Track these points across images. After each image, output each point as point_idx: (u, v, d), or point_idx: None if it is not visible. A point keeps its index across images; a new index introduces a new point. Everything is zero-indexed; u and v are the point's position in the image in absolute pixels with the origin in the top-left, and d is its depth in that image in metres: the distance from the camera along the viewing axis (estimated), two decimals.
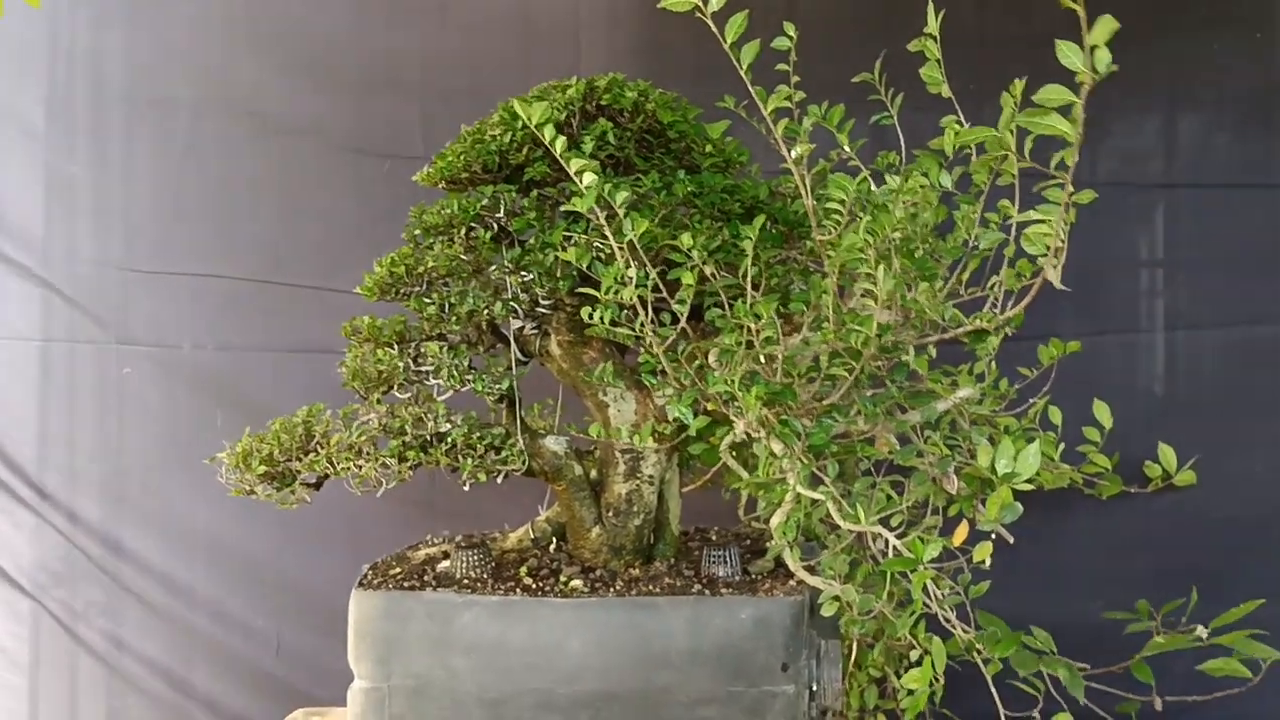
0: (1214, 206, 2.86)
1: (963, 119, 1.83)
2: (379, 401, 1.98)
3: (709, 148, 1.95)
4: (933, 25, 1.80)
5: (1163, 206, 2.92)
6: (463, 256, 1.86)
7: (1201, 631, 1.97)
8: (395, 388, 1.87)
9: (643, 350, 1.71)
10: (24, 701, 3.37)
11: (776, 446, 1.67)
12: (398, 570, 2.08)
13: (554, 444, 2.07)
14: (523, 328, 2.01)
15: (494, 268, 1.87)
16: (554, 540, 2.22)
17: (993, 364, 2.37)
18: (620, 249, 1.60)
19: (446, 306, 1.86)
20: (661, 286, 1.71)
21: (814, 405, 1.73)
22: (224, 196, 3.27)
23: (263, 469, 1.90)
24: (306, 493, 1.92)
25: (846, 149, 1.89)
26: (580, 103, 1.91)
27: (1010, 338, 2.38)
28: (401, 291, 1.96)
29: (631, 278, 1.59)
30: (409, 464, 1.79)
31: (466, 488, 1.83)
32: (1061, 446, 2.43)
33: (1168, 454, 2.70)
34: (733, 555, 2.08)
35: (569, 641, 1.92)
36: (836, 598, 1.83)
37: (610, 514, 2.10)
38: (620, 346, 2.06)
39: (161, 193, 3.29)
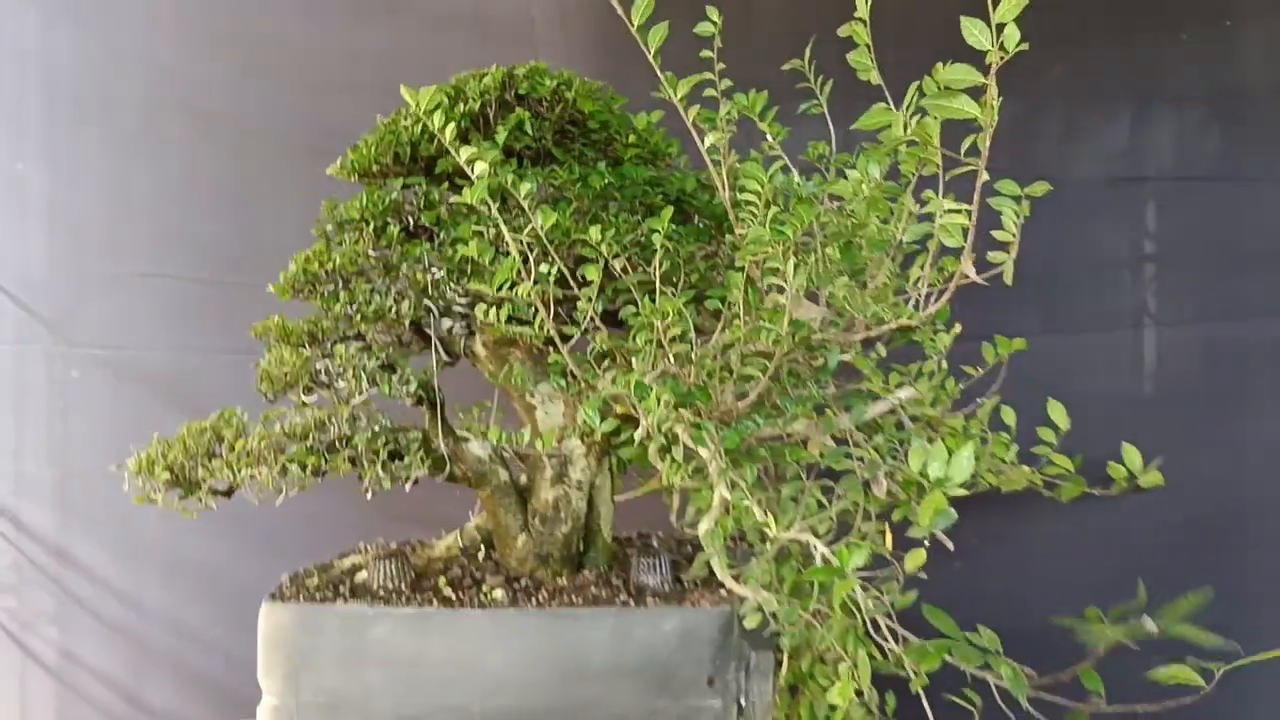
0: (1180, 202, 2.78)
1: (892, 106, 1.73)
2: (305, 405, 1.90)
3: (632, 138, 1.86)
4: (863, 10, 1.71)
5: (1130, 202, 2.83)
6: (371, 253, 1.77)
7: (1150, 625, 1.88)
8: (303, 391, 1.79)
9: (552, 351, 1.63)
10: None
11: (685, 451, 1.58)
12: (315, 581, 2.00)
13: (478, 448, 1.99)
14: (452, 327, 1.93)
15: (405, 265, 1.79)
16: (483, 548, 2.14)
17: (943, 363, 2.29)
18: (516, 243, 1.52)
19: (354, 306, 1.78)
20: (574, 283, 1.63)
21: (734, 407, 1.64)
22: (175, 196, 3.20)
23: (166, 475, 1.82)
24: (213, 500, 1.83)
25: (769, 137, 1.80)
26: (498, 91, 1.83)
27: (968, 338, 2.32)
28: (315, 290, 1.88)
29: (530, 273, 1.50)
30: (310, 471, 1.70)
31: (368, 495, 1.75)
32: (1015, 449, 2.35)
33: (1132, 454, 2.60)
34: (663, 563, 1.99)
35: (487, 655, 1.83)
36: (760, 608, 1.74)
37: (537, 521, 2.02)
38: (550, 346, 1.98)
39: (111, 193, 3.22)
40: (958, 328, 2.24)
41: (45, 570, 3.24)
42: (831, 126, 1.83)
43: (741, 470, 1.66)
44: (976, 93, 1.36)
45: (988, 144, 1.37)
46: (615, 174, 1.80)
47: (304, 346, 1.86)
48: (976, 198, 1.43)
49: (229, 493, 1.89)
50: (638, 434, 1.53)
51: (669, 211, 1.57)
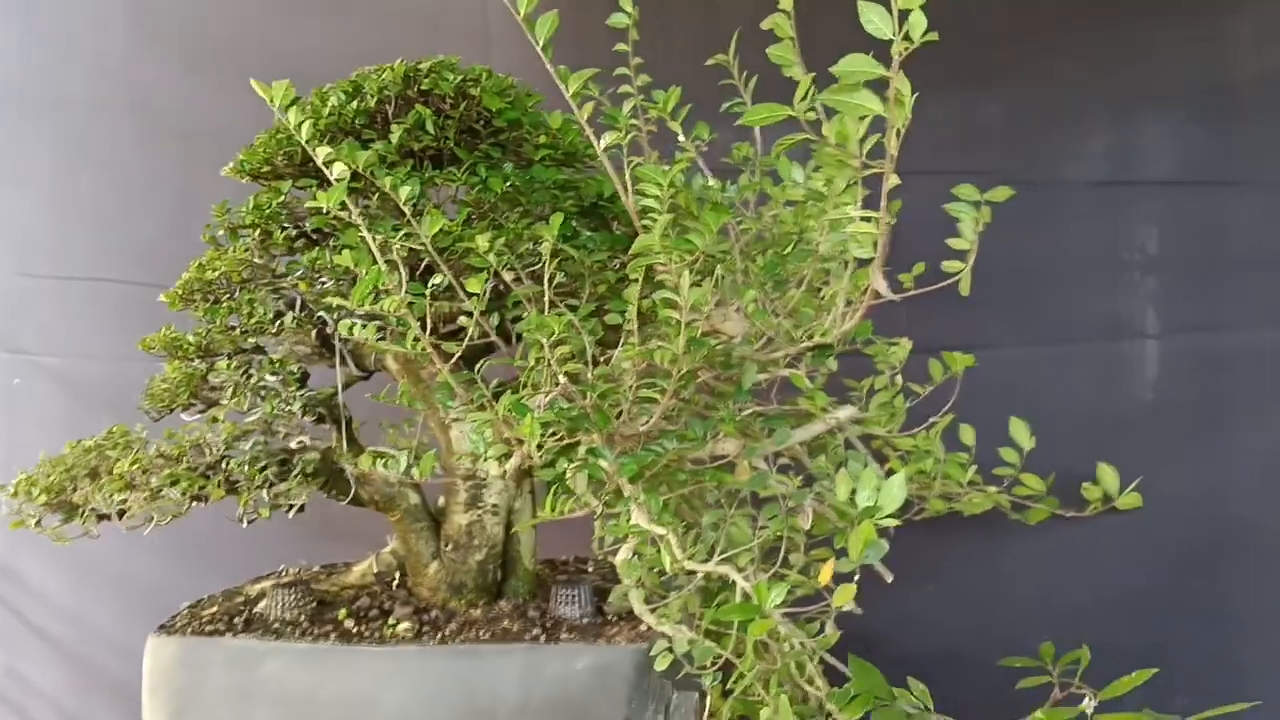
0: (1164, 206, 2.61)
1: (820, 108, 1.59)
2: (218, 420, 1.78)
3: (544, 138, 1.73)
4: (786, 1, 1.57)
5: (1111, 206, 2.67)
6: (256, 260, 1.64)
7: (1089, 704, 1.72)
8: (182, 409, 1.66)
9: (440, 370, 1.49)
10: None
11: (580, 483, 1.44)
12: (213, 610, 1.87)
13: (385, 470, 1.85)
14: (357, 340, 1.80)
15: (294, 274, 1.66)
16: (398, 575, 2.00)
17: (897, 379, 2.15)
18: (384, 252, 1.39)
19: (237, 317, 1.65)
20: (464, 295, 1.50)
21: (638, 431, 1.50)
22: (120, 199, 3.08)
23: (44, 498, 1.69)
24: (95, 526, 1.71)
25: (681, 138, 1.66)
26: (399, 87, 1.70)
27: (940, 349, 2.17)
28: (206, 299, 1.75)
29: (397, 285, 1.36)
30: (182, 496, 1.57)
31: (244, 525, 1.62)
32: (973, 469, 2.21)
33: (1107, 474, 2.45)
34: (584, 594, 1.86)
35: (384, 695, 1.70)
36: (669, 648, 1.61)
37: (449, 548, 1.89)
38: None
39: (55, 195, 3.10)
40: (905, 342, 2.11)
41: None
42: (758, 127, 1.69)
43: (650, 497, 1.52)
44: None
45: (895, 143, 1.22)
46: (522, 177, 1.67)
47: (193, 360, 1.73)
48: (884, 204, 1.28)
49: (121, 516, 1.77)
50: (511, 464, 1.40)
51: (559, 218, 1.43)
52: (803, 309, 1.65)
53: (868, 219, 1.29)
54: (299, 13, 2.99)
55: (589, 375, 1.45)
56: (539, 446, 1.39)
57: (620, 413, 1.45)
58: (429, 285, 1.40)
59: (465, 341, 1.45)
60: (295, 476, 1.63)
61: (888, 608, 2.63)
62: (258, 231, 1.67)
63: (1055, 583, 2.65)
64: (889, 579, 1.66)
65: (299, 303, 1.76)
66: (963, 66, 2.60)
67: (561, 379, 1.41)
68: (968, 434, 2.21)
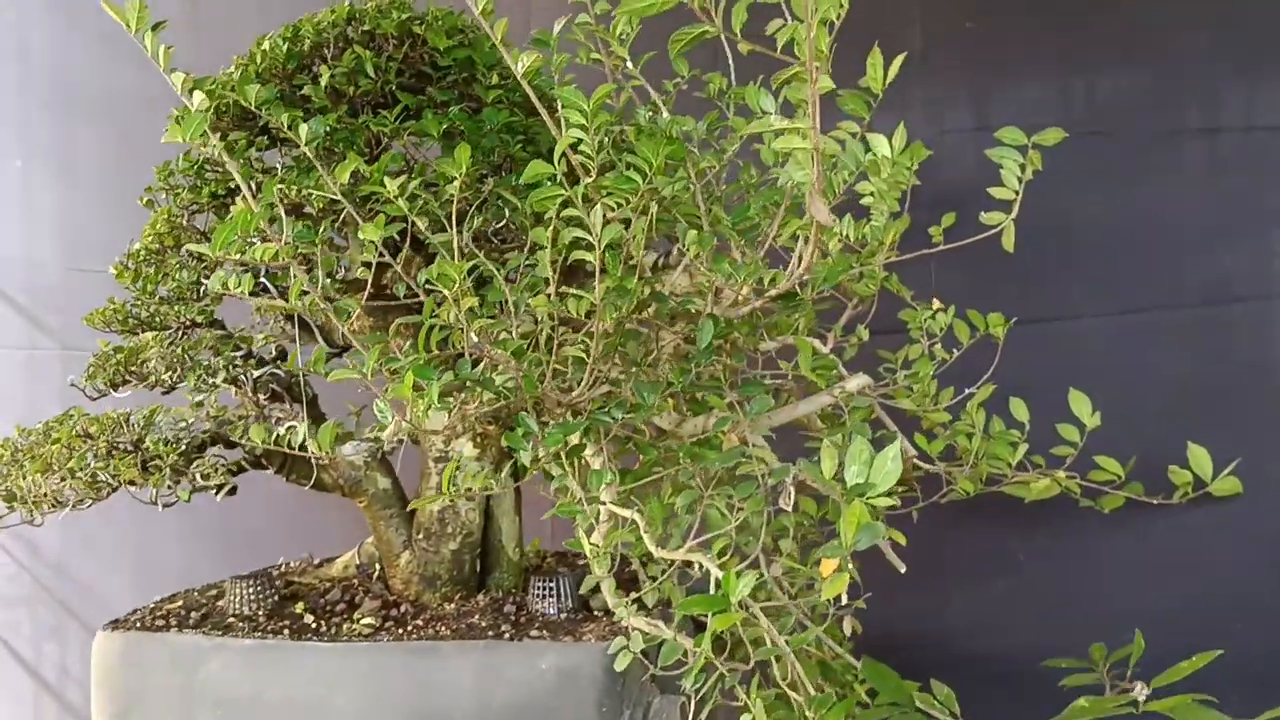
0: (1260, 157, 2.29)
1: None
2: (204, 405, 1.65)
3: (495, 79, 1.55)
4: None
5: (1201, 158, 2.37)
6: (182, 223, 1.51)
7: (1140, 691, 1.46)
8: (114, 386, 1.54)
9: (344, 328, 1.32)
10: None
11: (524, 455, 1.26)
12: (177, 604, 1.75)
13: (351, 451, 1.70)
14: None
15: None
16: (379, 566, 1.85)
17: (935, 347, 1.91)
18: (263, 197, 1.23)
19: (165, 285, 1.52)
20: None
21: (575, 398, 1.31)
22: None
23: None
24: (42, 515, 1.60)
25: (629, 64, 1.46)
26: (337, 29, 1.55)
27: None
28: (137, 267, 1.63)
29: (280, 232, 1.20)
30: (90, 479, 1.44)
31: (159, 508, 1.48)
32: (1025, 448, 1.94)
33: (1199, 456, 2.15)
34: (564, 587, 1.67)
35: (334, 696, 1.54)
36: (627, 646, 1.41)
37: (421, 536, 1.72)
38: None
39: (106, 191, 3.07)
40: (937, 303, 1.87)
41: (46, 586, 3.11)
42: (730, 55, 1.48)
43: (592, 475, 1.33)
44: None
45: (811, 36, 1.00)
46: (470, 121, 1.49)
47: (135, 334, 1.61)
48: (813, 110, 1.06)
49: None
50: (388, 431, 1.23)
51: (466, 150, 1.25)
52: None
53: (796, 131, 1.07)
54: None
55: (513, 333, 1.27)
56: (448, 412, 1.21)
57: (549, 377, 1.26)
58: (317, 234, 1.23)
59: (363, 297, 1.27)
60: (211, 457, 1.48)
61: (961, 606, 2.41)
62: (186, 191, 1.53)
63: (1139, 579, 2.35)
64: (901, 569, 1.43)
65: (262, 271, 1.62)
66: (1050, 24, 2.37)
67: (473, 336, 1.23)
68: (1020, 409, 1.94)
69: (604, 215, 1.14)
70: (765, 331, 1.69)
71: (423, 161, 1.44)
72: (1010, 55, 2.43)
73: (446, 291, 1.20)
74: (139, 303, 1.59)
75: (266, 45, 1.53)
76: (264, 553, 2.74)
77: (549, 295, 1.21)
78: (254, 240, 1.21)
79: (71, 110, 3.09)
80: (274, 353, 1.76)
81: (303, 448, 1.40)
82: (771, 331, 1.72)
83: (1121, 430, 2.10)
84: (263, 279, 1.33)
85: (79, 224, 3.09)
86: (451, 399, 1.32)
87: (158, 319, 1.60)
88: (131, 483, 1.50)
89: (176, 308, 1.53)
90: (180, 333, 1.63)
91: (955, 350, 1.82)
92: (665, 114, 1.38)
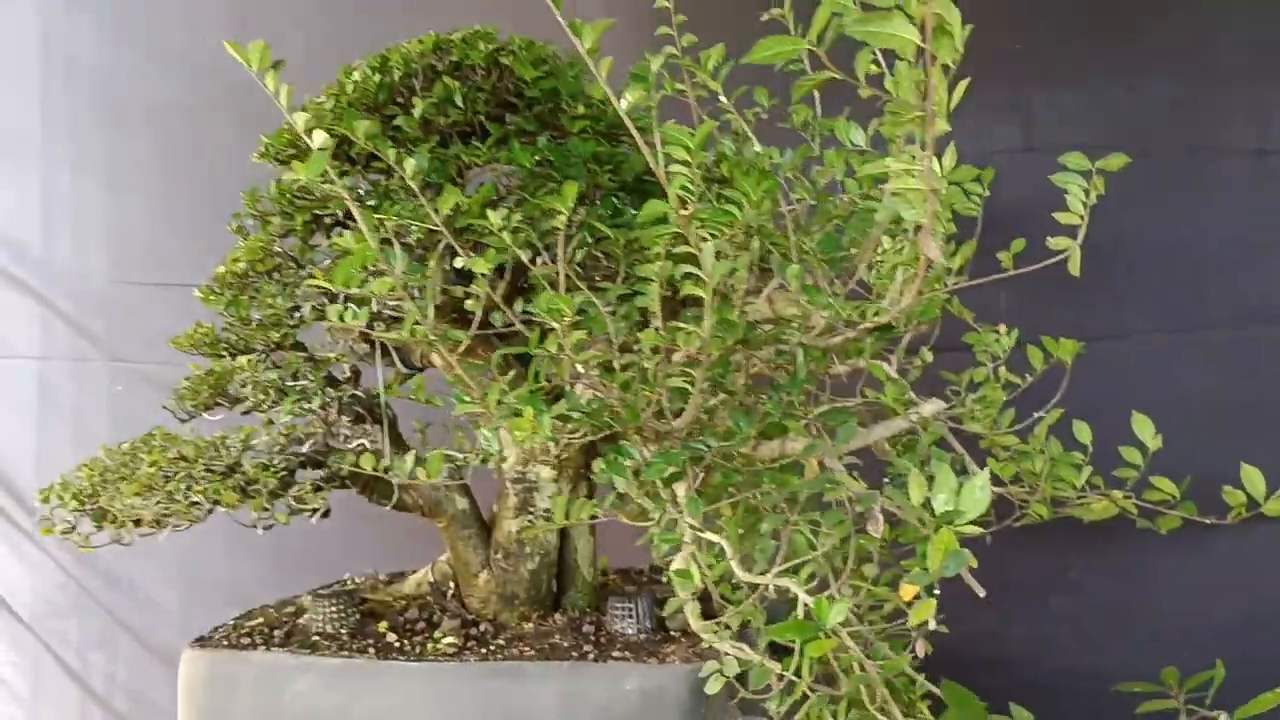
0: None
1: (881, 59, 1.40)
2: (272, 421, 1.68)
3: (581, 109, 1.58)
4: None
5: (1258, 177, 2.39)
6: (275, 249, 1.54)
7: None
8: (204, 409, 1.57)
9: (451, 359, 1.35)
10: None
11: (620, 483, 1.29)
12: (258, 622, 1.77)
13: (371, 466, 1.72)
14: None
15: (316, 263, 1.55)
16: (453, 585, 1.88)
17: (1001, 370, 1.93)
18: (379, 230, 1.26)
19: (258, 310, 1.54)
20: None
21: (674, 429, 1.34)
22: (218, 205, 3.03)
23: (74, 504, 1.62)
24: (129, 534, 1.62)
25: (722, 98, 1.49)
26: (425, 60, 1.58)
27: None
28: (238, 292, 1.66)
29: (394, 266, 1.23)
30: (189, 503, 1.47)
31: (259, 532, 1.51)
32: (1088, 470, 1.97)
33: (1252, 476, 2.17)
34: (641, 607, 1.70)
35: (419, 716, 1.57)
36: (720, 670, 1.43)
37: (500, 556, 1.75)
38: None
39: (154, 202, 3.10)
40: (1003, 328, 1.90)
41: (95, 594, 3.14)
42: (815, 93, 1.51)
43: (690, 503, 1.36)
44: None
45: (937, 81, 1.03)
46: (557, 151, 1.52)
47: (223, 357, 1.63)
48: (929, 154, 1.09)
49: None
50: (508, 462, 1.25)
51: (573, 187, 1.27)
52: (876, 287, 1.46)
53: (912, 173, 1.10)
54: (394, 11, 2.92)
55: (616, 364, 1.30)
56: (555, 443, 1.24)
57: (650, 406, 1.29)
58: (431, 267, 1.26)
59: (473, 328, 1.30)
60: (309, 481, 1.51)
61: (1021, 627, 2.44)
62: (279, 218, 1.56)
63: (1198, 599, 2.38)
64: (981, 594, 1.45)
65: (342, 297, 1.65)
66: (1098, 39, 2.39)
67: (580, 368, 1.26)
68: (1083, 431, 1.97)
69: (711, 248, 1.16)
70: (835, 355, 1.71)
71: (521, 194, 1.47)
72: (1056, 74, 2.46)
73: (556, 324, 1.23)
74: (229, 327, 1.62)
75: (357, 76, 1.56)
76: (312, 564, 2.76)
77: (657, 329, 1.24)
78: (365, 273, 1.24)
79: (119, 121, 3.12)
80: (347, 373, 1.79)
81: (386, 469, 1.43)
82: (841, 356, 1.74)
83: (1172, 449, 2.12)
84: (371, 308, 1.35)
85: (126, 234, 3.11)
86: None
87: (246, 342, 1.63)
88: (227, 505, 1.52)
89: (270, 332, 1.56)
90: (266, 356, 1.66)
91: (1027, 375, 1.84)
92: (756, 146, 1.41)
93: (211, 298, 1.68)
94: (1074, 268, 1.65)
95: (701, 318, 1.35)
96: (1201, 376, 2.40)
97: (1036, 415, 1.85)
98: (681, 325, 1.21)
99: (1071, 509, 2.01)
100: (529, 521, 1.72)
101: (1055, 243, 1.67)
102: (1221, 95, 2.41)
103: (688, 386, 1.26)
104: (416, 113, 1.50)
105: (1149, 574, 2.41)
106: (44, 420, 3.18)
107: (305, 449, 1.56)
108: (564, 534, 1.78)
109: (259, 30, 2.95)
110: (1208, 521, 2.18)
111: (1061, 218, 1.65)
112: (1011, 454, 1.99)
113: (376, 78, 1.55)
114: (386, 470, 1.43)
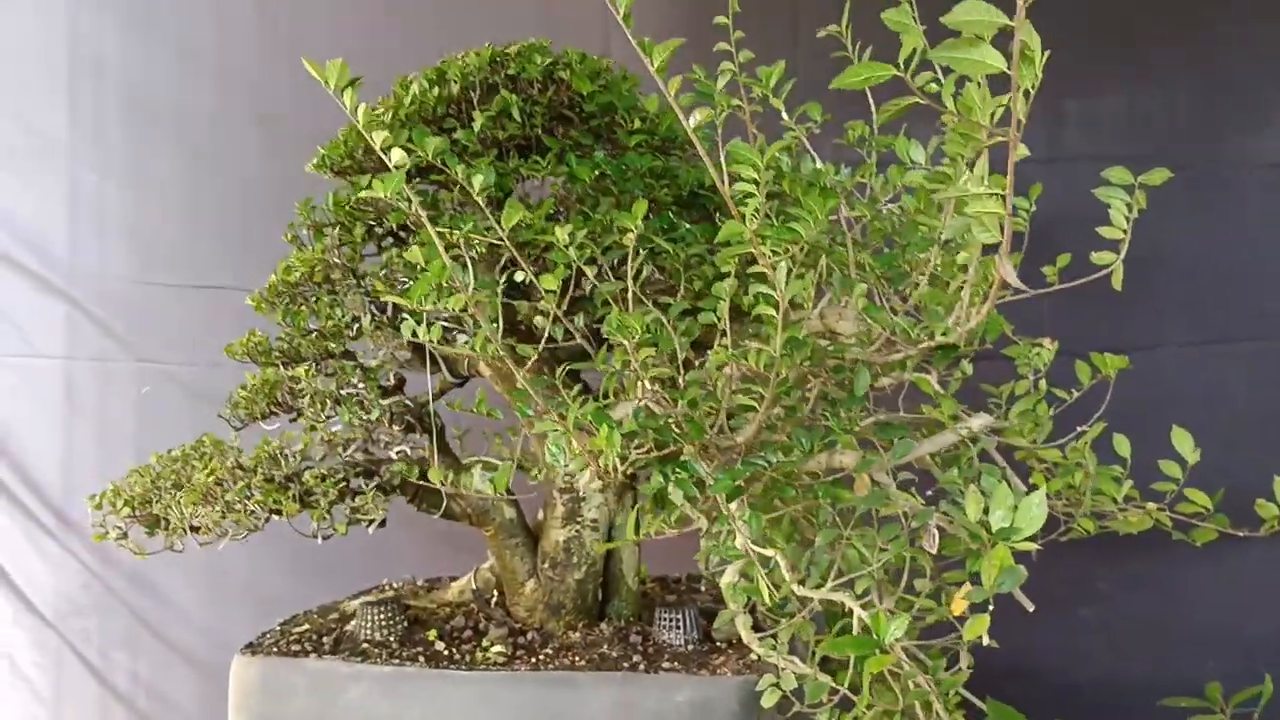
0: None
1: (941, 76, 1.41)
2: (315, 428, 1.69)
3: (638, 123, 1.59)
4: None
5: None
6: (334, 260, 1.55)
7: None
8: (261, 417, 1.58)
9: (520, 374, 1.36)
10: None
11: (675, 495, 1.30)
12: (304, 628, 1.78)
13: (480, 481, 1.73)
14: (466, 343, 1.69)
15: (373, 274, 1.55)
16: (496, 593, 1.89)
17: (1041, 384, 1.94)
18: (452, 246, 1.26)
19: (316, 320, 1.55)
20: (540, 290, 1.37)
21: (735, 442, 1.35)
22: (244, 207, 3.06)
23: (126, 510, 1.63)
24: (180, 540, 1.63)
25: (785, 116, 1.50)
26: (483, 73, 1.58)
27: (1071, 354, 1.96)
28: (291, 301, 1.66)
29: (467, 283, 1.24)
30: (249, 512, 1.48)
31: (319, 541, 1.52)
32: (1129, 484, 1.98)
33: None
34: (689, 618, 1.71)
35: None
36: (777, 683, 1.45)
37: (546, 565, 1.76)
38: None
39: (180, 203, 3.10)
40: (1050, 343, 1.91)
41: (120, 594, 3.14)
42: (873, 103, 1.52)
43: (753, 516, 1.37)
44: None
45: (1021, 108, 1.04)
46: (614, 165, 1.53)
47: (277, 366, 1.64)
48: (1010, 179, 1.10)
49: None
50: (584, 480, 1.26)
51: (642, 205, 1.28)
52: (929, 305, 1.47)
53: (992, 196, 1.11)
54: (420, 16, 2.93)
55: (680, 380, 1.31)
56: (622, 459, 1.25)
57: (715, 422, 1.30)
58: (501, 282, 1.27)
59: (541, 344, 1.31)
60: (372, 490, 1.52)
61: (1041, 635, 2.45)
62: (338, 229, 1.57)
63: (1229, 611, 2.39)
64: (1030, 608, 1.47)
65: (390, 306, 1.66)
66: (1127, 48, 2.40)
67: (647, 384, 1.27)
68: (1122, 445, 1.98)
69: (784, 268, 1.18)
70: (880, 368, 1.72)
71: (581, 208, 1.48)
72: (1089, 84, 2.47)
73: (626, 341, 1.24)
74: (284, 336, 1.62)
75: (415, 89, 1.57)
76: (332, 567, 2.79)
77: (726, 347, 1.25)
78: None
79: (146, 123, 3.13)
80: (392, 381, 1.80)
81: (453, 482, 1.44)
82: (884, 369, 1.75)
83: (1203, 461, 2.13)
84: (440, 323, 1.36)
85: (152, 235, 3.12)
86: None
87: (297, 351, 1.64)
88: (288, 515, 1.53)
89: (328, 342, 1.57)
90: (316, 365, 1.67)
91: (1074, 390, 1.85)
92: (817, 162, 1.42)
93: (263, 306, 1.69)
94: (1116, 282, 1.66)
95: (757, 335, 1.37)
96: (1232, 388, 2.42)
97: (1079, 429, 1.86)
98: (754, 345, 1.22)
99: (1109, 522, 2.02)
100: (576, 531, 1.74)
101: (1099, 257, 1.68)
102: (1251, 108, 2.43)
103: (754, 404, 1.27)
104: (476, 126, 1.51)
105: (1179, 585, 2.43)
106: (70, 420, 3.18)
107: (359, 458, 1.56)
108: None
109: (288, 33, 2.99)
110: (1240, 534, 2.19)
111: (1105, 232, 1.66)
112: (1046, 467, 2.00)
113: (435, 91, 1.55)
114: (452, 483, 1.44)
